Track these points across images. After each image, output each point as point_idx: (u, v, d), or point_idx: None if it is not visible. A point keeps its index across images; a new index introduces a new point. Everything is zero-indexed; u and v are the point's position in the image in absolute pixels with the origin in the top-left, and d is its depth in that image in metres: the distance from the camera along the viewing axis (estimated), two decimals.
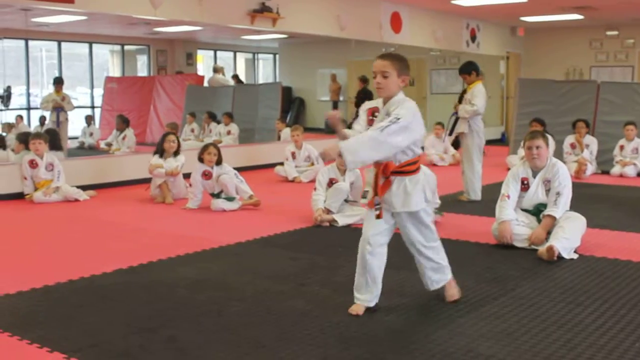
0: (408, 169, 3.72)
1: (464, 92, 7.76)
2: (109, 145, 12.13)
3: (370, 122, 3.79)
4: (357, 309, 3.81)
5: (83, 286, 4.42)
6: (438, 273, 3.99)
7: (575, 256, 5.10)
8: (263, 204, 7.27)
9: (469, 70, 7.62)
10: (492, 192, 7.19)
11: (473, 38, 16.01)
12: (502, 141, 16.20)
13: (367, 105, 3.84)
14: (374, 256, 3.82)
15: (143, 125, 14.80)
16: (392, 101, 3.71)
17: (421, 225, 3.83)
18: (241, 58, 19.63)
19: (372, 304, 3.84)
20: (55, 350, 3.31)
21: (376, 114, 3.76)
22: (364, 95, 14.28)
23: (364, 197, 3.82)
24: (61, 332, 3.56)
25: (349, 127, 4.23)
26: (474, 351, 3.24)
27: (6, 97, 13.92)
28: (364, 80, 14.29)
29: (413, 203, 3.73)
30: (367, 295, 3.83)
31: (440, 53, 16.33)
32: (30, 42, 15.10)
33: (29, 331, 3.56)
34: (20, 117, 13.70)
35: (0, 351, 3.33)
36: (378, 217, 3.74)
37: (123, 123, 12.02)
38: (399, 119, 3.54)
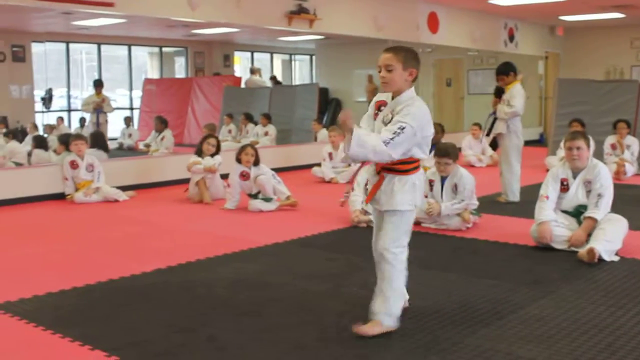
0: (400, 167, 3.47)
1: (498, 89, 7.68)
2: (148, 146, 12.25)
3: (375, 116, 3.56)
4: (370, 325, 3.49)
5: (123, 285, 4.48)
6: (377, 295, 3.54)
7: (617, 258, 5.02)
8: (300, 205, 7.29)
9: (507, 71, 7.54)
10: (530, 194, 7.13)
11: (511, 38, 15.87)
12: (540, 142, 16.02)
13: (376, 97, 3.64)
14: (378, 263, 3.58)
15: (181, 126, 14.93)
16: (400, 99, 3.47)
17: (396, 228, 3.48)
18: (278, 59, 19.70)
19: (394, 324, 3.52)
20: (97, 348, 3.35)
21: (382, 107, 3.55)
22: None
23: (365, 194, 3.71)
24: (102, 331, 3.61)
25: None
26: (513, 354, 3.22)
27: (48, 99, 14.17)
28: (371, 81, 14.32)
29: (396, 201, 3.46)
30: (389, 310, 3.51)
31: (477, 53, 16.20)
32: (71, 45, 15.35)
33: (71, 329, 3.62)
34: (61, 118, 13.93)
35: (43, 348, 3.39)
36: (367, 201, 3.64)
37: (161, 124, 12.14)
38: (403, 128, 3.31)
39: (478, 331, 3.54)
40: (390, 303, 3.48)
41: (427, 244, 5.62)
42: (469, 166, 10.74)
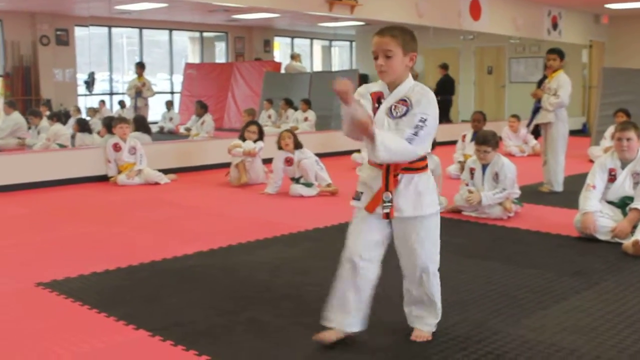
0: (418, 164, 3.09)
1: (544, 78, 7.57)
2: (188, 130, 12.34)
3: (375, 110, 3.07)
4: (326, 333, 3.17)
5: (165, 267, 4.53)
6: (423, 309, 3.26)
7: None
8: (340, 191, 7.29)
9: (562, 54, 7.41)
10: (573, 184, 7.05)
11: (554, 26, 15.63)
12: (583, 132, 15.79)
13: (367, 88, 3.15)
14: (360, 274, 3.11)
15: (221, 111, 14.99)
16: (403, 88, 3.07)
17: (430, 236, 3.13)
18: (317, 45, 19.64)
19: (350, 329, 3.17)
20: (141, 327, 3.40)
21: (382, 100, 3.08)
22: (445, 83, 14.15)
23: (356, 198, 3.19)
24: (146, 311, 3.66)
25: None
26: (557, 345, 3.18)
27: (90, 83, 14.32)
28: (444, 67, 14.14)
29: (426, 204, 3.08)
30: (344, 318, 3.15)
31: (520, 41, 15.99)
32: (113, 30, 15.48)
33: (116, 309, 3.67)
34: (103, 102, 14.07)
35: (89, 327, 3.44)
36: (387, 216, 3.06)
37: (202, 108, 12.20)
38: (425, 120, 2.98)
39: (520, 321, 3.51)
40: (439, 309, 3.28)
41: (468, 233, 5.59)
42: (510, 156, 10.62)
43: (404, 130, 2.97)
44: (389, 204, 3.03)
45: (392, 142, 2.94)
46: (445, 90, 14.14)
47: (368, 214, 3.11)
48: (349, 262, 3.11)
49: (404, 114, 3.02)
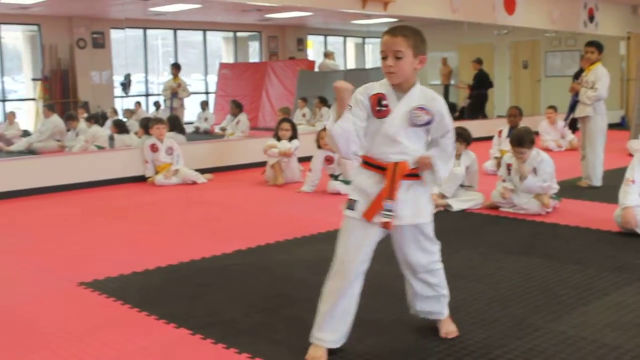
0: (416, 170, 2.98)
1: (581, 71, 7.48)
2: (223, 129, 12.42)
3: (377, 114, 2.93)
4: (316, 353, 3.00)
5: (204, 266, 4.57)
6: (432, 303, 3.21)
7: None
8: None
9: (601, 47, 7.32)
10: (612, 178, 6.95)
11: (591, 18, 15.41)
12: (622, 125, 15.56)
13: (365, 90, 2.99)
14: (350, 288, 3.00)
15: (255, 110, 15.07)
16: (415, 92, 2.97)
17: (427, 241, 3.07)
18: (351, 43, 19.63)
19: (338, 345, 3.05)
20: (182, 326, 3.44)
21: (384, 101, 2.94)
22: (481, 78, 14.05)
23: (349, 207, 3.00)
24: (186, 309, 3.69)
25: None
26: (599, 341, 3.15)
27: (126, 85, 14.49)
28: (478, 62, 14.04)
29: (425, 212, 3.01)
30: (334, 335, 3.02)
31: (555, 34, 15.80)
32: (148, 31, 15.64)
33: (156, 307, 3.72)
34: (139, 103, 14.23)
35: (131, 326, 3.49)
36: (386, 226, 2.93)
37: (237, 108, 12.28)
38: (452, 131, 3.03)
39: (561, 317, 3.48)
40: (446, 295, 3.24)
41: (506, 229, 5.55)
42: (547, 150, 10.50)
43: (439, 139, 3.00)
44: (390, 213, 2.90)
45: (446, 165, 3.03)
46: (481, 85, 14.04)
47: (361, 223, 2.96)
48: (339, 276, 2.99)
49: (427, 123, 2.94)
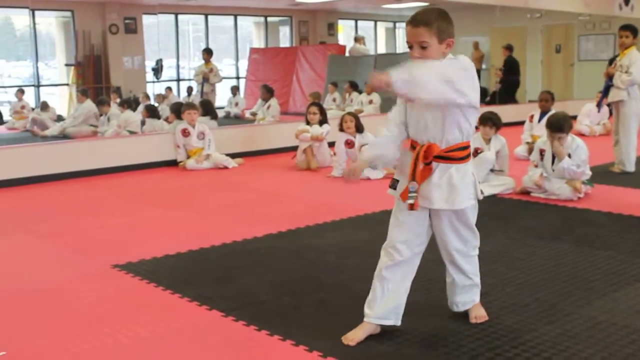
0: (456, 154, 2.92)
1: (612, 60, 7.39)
2: (254, 114, 12.46)
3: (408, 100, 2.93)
4: (357, 334, 3.05)
5: (235, 249, 4.62)
6: (467, 293, 3.23)
7: None
8: None
9: (636, 30, 7.22)
10: None
11: (626, 1, 15.15)
12: None
13: None
14: (399, 267, 3.02)
15: (286, 95, 15.09)
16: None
17: (465, 228, 3.07)
18: (381, 27, 19.54)
19: (389, 322, 3.08)
20: (214, 308, 3.49)
21: None
22: (511, 64, 13.92)
23: (392, 186, 3.05)
24: (218, 291, 3.75)
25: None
26: (629, 327, 3.14)
27: (158, 70, 14.58)
28: (509, 48, 13.91)
29: (459, 199, 2.93)
30: (378, 311, 3.06)
31: (589, 18, 15.58)
32: (179, 17, 15.71)
33: (188, 289, 3.78)
34: (170, 88, 14.32)
35: (165, 308, 3.55)
36: (412, 207, 2.91)
37: (267, 93, 12.30)
38: (466, 69, 2.81)
39: (592, 303, 3.47)
40: (479, 284, 3.26)
41: (537, 214, 5.52)
42: (580, 135, 10.40)
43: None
44: (414, 194, 2.89)
45: (421, 65, 2.75)
46: (511, 71, 13.92)
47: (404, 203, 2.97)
48: (388, 253, 3.04)
49: None
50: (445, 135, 2.90)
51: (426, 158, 2.90)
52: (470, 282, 3.20)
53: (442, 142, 2.91)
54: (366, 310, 3.08)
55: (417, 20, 2.84)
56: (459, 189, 2.92)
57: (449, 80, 2.71)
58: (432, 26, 2.81)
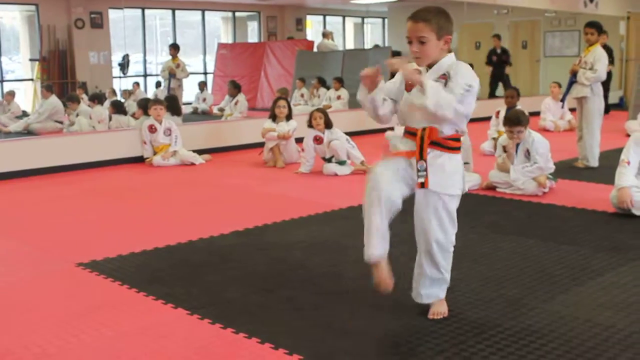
0: (451, 144, 3.07)
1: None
2: (222, 110, 12.41)
3: (409, 87, 3.08)
4: (381, 274, 3.10)
5: (202, 247, 4.59)
6: (434, 287, 3.24)
7: None
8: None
9: (600, 28, 7.31)
10: (609, 159, 6.98)
11: None
12: (620, 106, 15.53)
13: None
14: (389, 197, 3.04)
15: (254, 90, 15.05)
16: (445, 63, 3.06)
17: (448, 218, 3.11)
18: (350, 23, 19.58)
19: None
20: (179, 306, 3.47)
21: None
22: (502, 54, 14.18)
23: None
24: (184, 290, 3.72)
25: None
26: (592, 321, 3.18)
27: (124, 65, 14.45)
28: (499, 38, 14.24)
29: (450, 184, 3.07)
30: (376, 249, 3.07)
31: (555, 14, 15.74)
32: (146, 11, 15.57)
33: (154, 288, 3.75)
34: (137, 84, 14.20)
35: (129, 306, 3.52)
36: (421, 186, 3.05)
37: (235, 89, 12.26)
38: (471, 86, 2.97)
39: (556, 297, 3.51)
40: (448, 280, 3.27)
41: (502, 209, 5.57)
42: (545, 131, 10.52)
43: (456, 90, 2.96)
44: (424, 172, 3.03)
45: (441, 90, 2.94)
46: (492, 62, 14.16)
47: (396, 162, 3.10)
48: (374, 190, 3.02)
49: (444, 87, 3.00)
50: (442, 127, 3.05)
51: (430, 138, 3.04)
52: (440, 277, 3.22)
53: (440, 132, 3.06)
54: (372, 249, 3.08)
55: (417, 16, 3.00)
56: (451, 176, 3.07)
57: (454, 107, 2.93)
58: (431, 22, 2.98)
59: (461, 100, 2.95)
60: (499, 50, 14.36)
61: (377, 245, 3.04)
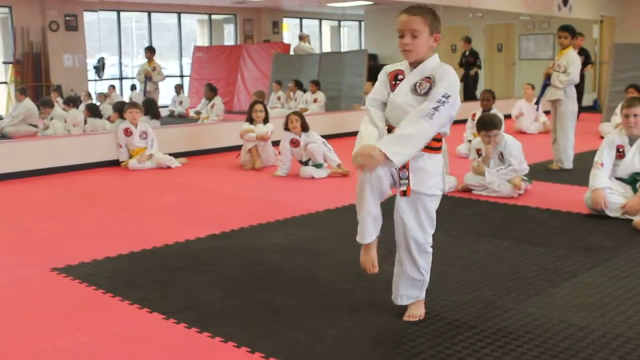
0: (432, 144, 3.05)
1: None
2: (198, 113, 12.36)
3: (393, 87, 3.11)
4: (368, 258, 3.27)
5: (178, 250, 4.57)
6: (414, 288, 3.26)
7: None
8: (351, 171, 7.31)
9: (573, 31, 7.39)
10: (584, 161, 7.04)
11: (565, 1, 15.49)
12: (594, 108, 15.71)
13: (385, 71, 3.21)
14: (378, 186, 3.12)
15: (231, 93, 15.01)
16: (429, 65, 3.07)
17: (427, 217, 3.15)
18: (326, 26, 19.58)
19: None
20: (155, 310, 3.45)
21: (400, 76, 3.12)
22: (469, 56, 14.22)
23: None
24: (160, 294, 3.70)
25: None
26: (566, 322, 3.21)
27: (100, 68, 14.35)
28: (468, 41, 14.20)
29: (430, 184, 3.10)
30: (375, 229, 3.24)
31: (530, 18, 15.88)
32: (122, 14, 15.49)
33: (129, 292, 3.73)
34: (113, 87, 14.10)
35: (104, 311, 3.49)
36: (404, 194, 3.10)
37: (211, 92, 12.22)
38: (449, 96, 2.96)
39: (530, 299, 3.54)
40: (427, 281, 3.29)
41: (478, 212, 5.61)
42: (520, 133, 10.61)
43: (425, 105, 2.96)
44: (406, 181, 3.07)
45: (409, 137, 2.91)
46: (468, 64, 14.21)
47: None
48: (365, 181, 3.09)
49: (427, 91, 3.02)
50: None
51: None
52: (420, 277, 3.24)
53: None
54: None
55: (412, 10, 3.05)
56: (431, 176, 3.10)
57: (428, 134, 2.95)
58: (426, 17, 3.03)
59: (436, 110, 2.93)
60: (467, 53, 14.46)
61: (369, 227, 3.17)
